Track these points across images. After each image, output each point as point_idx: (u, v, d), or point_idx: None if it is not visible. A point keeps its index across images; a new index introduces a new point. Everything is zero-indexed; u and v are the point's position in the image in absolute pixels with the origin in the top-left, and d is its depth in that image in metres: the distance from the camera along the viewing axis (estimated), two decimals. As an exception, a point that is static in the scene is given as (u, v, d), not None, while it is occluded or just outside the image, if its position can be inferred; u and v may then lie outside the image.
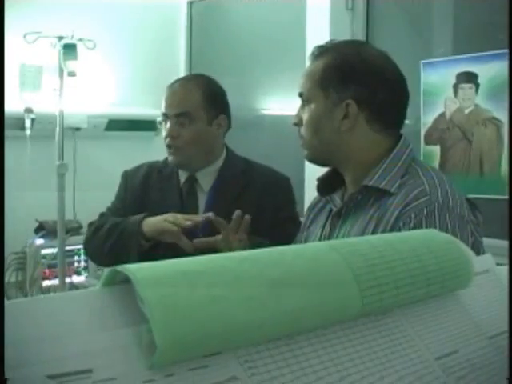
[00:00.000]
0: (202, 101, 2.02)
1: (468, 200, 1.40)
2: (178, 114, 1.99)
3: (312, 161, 1.53)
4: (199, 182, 2.07)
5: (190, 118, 1.99)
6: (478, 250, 1.31)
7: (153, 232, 1.89)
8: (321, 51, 1.46)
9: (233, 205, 2.00)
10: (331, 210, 1.51)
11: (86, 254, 2.23)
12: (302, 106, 1.48)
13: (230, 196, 2.04)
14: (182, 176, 2.09)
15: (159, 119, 2.08)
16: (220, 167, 2.09)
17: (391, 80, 1.44)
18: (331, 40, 1.50)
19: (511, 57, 2.18)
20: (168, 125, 2.00)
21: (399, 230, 1.29)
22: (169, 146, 2.01)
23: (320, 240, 1.49)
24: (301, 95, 1.48)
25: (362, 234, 1.35)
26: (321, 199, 1.59)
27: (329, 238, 1.47)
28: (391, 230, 1.30)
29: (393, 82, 1.44)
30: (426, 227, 1.26)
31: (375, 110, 1.41)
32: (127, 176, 2.18)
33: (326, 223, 1.51)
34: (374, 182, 1.38)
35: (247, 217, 1.81)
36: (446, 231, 1.22)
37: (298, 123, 1.48)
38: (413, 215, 1.29)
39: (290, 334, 0.58)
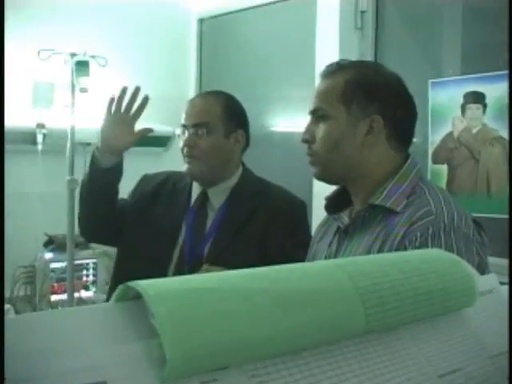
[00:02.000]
0: (221, 113, 2.04)
1: (474, 220, 1.41)
2: (196, 124, 2.01)
3: (323, 178, 1.53)
4: (210, 199, 2.07)
5: (208, 129, 2.01)
6: (483, 269, 1.32)
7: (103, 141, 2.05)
8: (336, 69, 1.47)
9: (240, 227, 2.01)
10: (339, 228, 1.52)
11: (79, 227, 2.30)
12: (315, 123, 1.47)
13: (239, 216, 2.03)
14: (195, 192, 2.09)
15: (177, 132, 2.09)
16: (233, 185, 2.08)
17: (406, 98, 1.47)
18: (343, 59, 1.52)
19: (511, 72, 2.20)
20: (186, 135, 2.02)
21: (405, 248, 1.30)
22: (185, 156, 2.03)
23: (327, 257, 1.50)
24: (314, 112, 1.48)
25: (368, 252, 1.36)
26: (329, 217, 1.61)
27: (335, 255, 1.48)
28: (397, 249, 1.31)
29: (407, 101, 1.47)
30: (432, 246, 1.27)
31: (395, 127, 1.44)
32: (145, 179, 2.22)
33: (333, 241, 1.52)
34: (381, 201, 1.40)
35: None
36: (452, 251, 1.23)
37: (310, 140, 1.48)
38: (418, 234, 1.30)
39: (296, 350, 0.59)
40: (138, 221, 2.08)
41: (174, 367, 0.50)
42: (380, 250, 1.34)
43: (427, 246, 1.28)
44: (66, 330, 0.51)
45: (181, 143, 2.06)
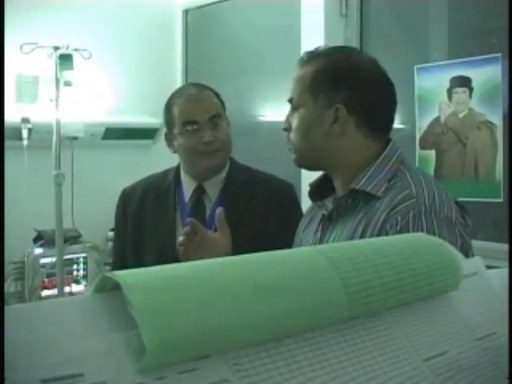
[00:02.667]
0: (220, 104, 2.06)
1: (457, 202, 1.41)
2: (212, 117, 1.99)
3: (300, 165, 1.55)
4: (207, 191, 2.06)
5: (220, 119, 2.01)
6: (466, 251, 1.32)
7: None
8: (310, 57, 1.48)
9: (240, 216, 2.01)
10: (324, 215, 1.52)
11: None
12: (292, 112, 1.49)
13: (237, 206, 2.03)
14: (189, 188, 2.08)
15: (176, 131, 2.02)
16: (225, 176, 2.08)
17: (379, 86, 1.46)
18: (320, 46, 1.52)
19: (511, 56, 2.20)
20: (206, 130, 1.97)
21: (386, 233, 1.29)
22: (213, 151, 1.99)
23: (313, 244, 1.50)
24: (290, 101, 1.50)
25: (351, 238, 1.36)
26: (314, 206, 1.61)
27: (320, 242, 1.48)
28: (378, 234, 1.31)
29: (381, 88, 1.46)
30: (413, 230, 1.27)
31: (364, 115, 1.43)
32: (125, 197, 2.16)
33: (318, 228, 1.52)
34: (361, 186, 1.39)
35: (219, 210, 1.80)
36: (433, 234, 1.22)
37: (288, 128, 1.50)
38: (399, 218, 1.30)
39: (279, 337, 0.59)
40: (137, 237, 2.07)
41: (152, 357, 0.49)
42: (362, 236, 1.34)
43: (408, 230, 1.28)
44: (43, 322, 0.51)
45: (187, 140, 2.00)
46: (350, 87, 1.42)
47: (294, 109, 1.48)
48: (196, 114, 1.99)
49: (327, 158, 1.47)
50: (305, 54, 1.49)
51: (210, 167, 2.02)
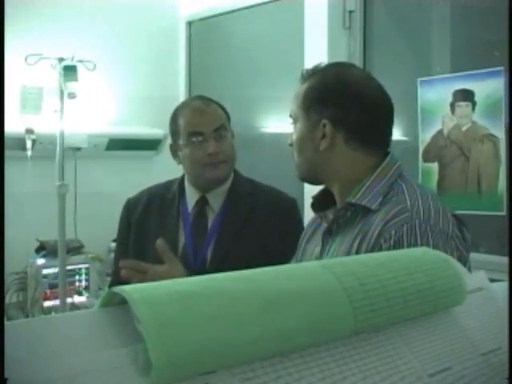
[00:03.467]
0: (225, 115, 2.08)
1: (455, 216, 1.41)
2: (217, 128, 2.01)
3: (302, 180, 1.58)
4: (210, 203, 2.07)
5: (225, 131, 2.03)
6: (464, 265, 1.32)
7: None
8: (308, 74, 1.51)
9: (241, 228, 2.02)
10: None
11: None
12: (293, 127, 1.53)
13: (239, 218, 2.05)
14: (192, 199, 2.09)
15: (182, 142, 2.04)
16: (229, 188, 2.09)
17: (369, 101, 1.46)
18: (321, 62, 1.54)
19: (511, 68, 2.20)
20: (210, 142, 1.99)
21: (380, 247, 1.29)
22: (212, 163, 2.00)
23: (315, 258, 1.51)
24: (290, 117, 1.54)
25: (349, 251, 1.36)
26: (317, 217, 1.61)
27: (320, 254, 1.48)
28: (373, 247, 1.31)
29: (370, 103, 1.46)
30: (407, 244, 1.27)
31: (351, 130, 1.44)
32: (129, 207, 2.17)
33: (319, 241, 1.53)
34: (357, 200, 1.40)
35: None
36: (428, 247, 1.22)
37: (290, 144, 1.54)
38: (393, 232, 1.29)
39: (285, 352, 0.59)
40: (140, 245, 2.07)
41: (160, 372, 0.50)
42: (358, 249, 1.34)
43: (402, 244, 1.28)
44: (50, 337, 0.51)
45: (192, 152, 2.01)
46: (336, 103, 1.44)
47: (293, 124, 1.52)
48: (201, 125, 2.00)
49: (321, 173, 1.50)
50: (304, 72, 1.53)
51: (214, 178, 2.03)
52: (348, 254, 1.36)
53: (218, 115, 2.05)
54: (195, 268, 1.98)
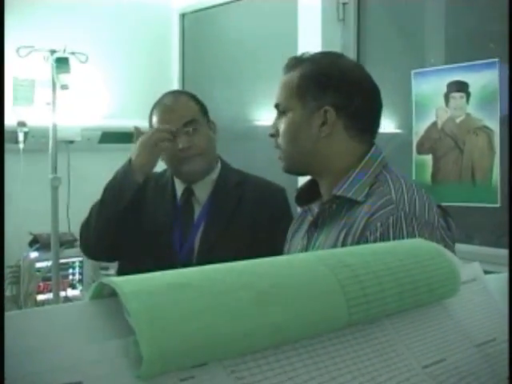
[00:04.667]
0: (199, 108, 2.08)
1: (439, 206, 1.41)
2: (187, 123, 2.01)
3: (288, 171, 1.54)
4: (196, 194, 2.08)
5: (197, 125, 2.03)
6: None
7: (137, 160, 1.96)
8: (296, 62, 1.49)
9: (228, 218, 2.03)
10: (311, 221, 1.52)
11: (82, 242, 2.16)
12: (278, 117, 1.50)
13: (226, 209, 2.05)
14: (179, 189, 2.09)
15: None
16: (216, 179, 2.10)
17: (366, 89, 1.47)
18: (305, 52, 1.53)
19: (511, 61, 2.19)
20: (181, 137, 1.99)
21: (366, 239, 1.29)
22: (184, 157, 2.00)
23: (300, 250, 1.50)
24: (277, 106, 1.50)
25: (335, 243, 1.36)
26: (304, 210, 1.60)
27: (306, 248, 1.47)
28: (358, 240, 1.30)
29: (368, 91, 1.47)
30: (393, 236, 1.27)
31: (352, 117, 1.44)
32: None
33: (305, 234, 1.52)
34: (343, 192, 1.40)
35: None
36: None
37: (275, 134, 1.51)
38: (379, 224, 1.29)
39: (278, 345, 0.58)
40: (132, 228, 2.06)
41: (150, 365, 0.49)
42: (344, 242, 1.34)
43: (388, 236, 1.27)
44: (40, 329, 0.51)
45: (168, 147, 2.01)
46: (337, 89, 1.43)
47: (281, 114, 1.49)
48: (170, 122, 2.01)
49: (314, 162, 1.47)
50: (290, 60, 1.51)
51: (191, 172, 2.04)
52: (334, 246, 1.35)
53: (187, 110, 2.05)
54: (181, 257, 1.98)
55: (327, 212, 1.43)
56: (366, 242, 1.28)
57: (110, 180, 2.04)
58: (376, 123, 1.50)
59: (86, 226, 2.09)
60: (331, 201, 1.42)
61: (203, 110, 2.09)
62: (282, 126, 1.48)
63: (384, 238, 1.27)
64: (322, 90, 1.43)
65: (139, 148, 1.96)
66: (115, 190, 1.98)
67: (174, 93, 2.18)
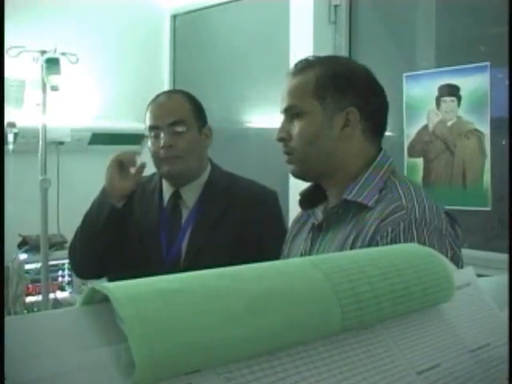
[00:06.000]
0: (192, 109, 2.05)
1: (447, 213, 1.41)
2: (172, 123, 1.99)
3: (299, 175, 1.51)
4: (183, 197, 2.06)
5: (185, 126, 2.00)
6: (457, 263, 1.32)
7: (107, 185, 1.94)
8: (306, 65, 1.46)
9: (216, 221, 2.01)
10: (314, 224, 1.51)
11: (71, 263, 2.19)
12: (289, 121, 1.46)
13: (214, 213, 2.04)
14: (167, 192, 2.08)
15: (145, 133, 2.06)
16: (205, 182, 2.08)
17: (378, 90, 1.48)
18: (310, 56, 1.52)
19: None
20: (162, 136, 1.98)
21: (377, 244, 1.29)
22: (164, 158, 1.99)
23: (301, 254, 1.49)
24: (288, 110, 1.46)
25: (342, 248, 1.35)
26: (304, 213, 1.60)
27: (310, 251, 1.47)
28: (369, 244, 1.30)
29: (379, 92, 1.48)
30: (404, 241, 1.27)
31: (369, 118, 1.44)
32: None
33: (307, 237, 1.51)
34: (353, 196, 1.39)
35: None
36: (424, 245, 1.22)
37: (286, 138, 1.46)
38: (390, 229, 1.29)
39: (271, 351, 0.58)
40: (118, 244, 2.05)
41: (142, 372, 0.48)
42: (353, 246, 1.33)
43: (399, 241, 1.27)
44: (31, 337, 0.50)
45: (152, 146, 2.02)
46: (356, 91, 1.42)
47: (295, 117, 1.45)
48: (158, 119, 2.01)
49: (331, 165, 1.44)
50: (298, 63, 1.48)
51: (171, 173, 2.02)
52: (341, 250, 1.34)
53: (177, 109, 2.03)
54: (168, 261, 1.97)
55: (334, 216, 1.43)
56: (377, 246, 1.28)
57: (88, 209, 2.04)
58: (386, 125, 1.51)
59: (72, 248, 2.11)
60: (340, 205, 1.41)
61: (197, 112, 2.06)
62: (296, 130, 1.44)
63: (395, 243, 1.27)
64: (342, 91, 1.41)
65: (106, 174, 1.94)
66: (93, 219, 1.99)
67: (170, 91, 2.17)
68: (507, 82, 2.36)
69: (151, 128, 2.01)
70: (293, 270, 0.63)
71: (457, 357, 0.72)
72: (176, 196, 2.06)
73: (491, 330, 0.78)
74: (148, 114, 2.04)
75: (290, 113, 1.46)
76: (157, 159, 2.01)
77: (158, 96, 2.10)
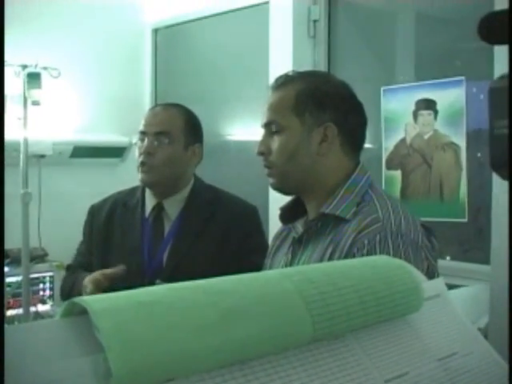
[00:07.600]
0: (183, 125, 2.07)
1: (423, 225, 1.43)
2: (158, 133, 2.02)
3: (279, 189, 1.53)
4: (166, 210, 2.08)
5: (169, 138, 2.02)
6: (432, 274, 1.35)
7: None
8: (285, 81, 1.49)
9: (198, 234, 2.03)
10: (294, 238, 1.52)
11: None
12: (269, 135, 1.48)
13: (196, 226, 2.06)
14: (149, 204, 2.10)
15: (134, 140, 2.09)
16: (187, 196, 2.10)
17: (356, 105, 1.50)
18: (290, 71, 1.54)
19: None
20: (145, 142, 2.01)
21: (353, 256, 1.31)
22: (142, 164, 2.01)
23: (282, 267, 1.51)
24: (268, 125, 1.49)
25: (321, 260, 1.37)
26: (285, 228, 1.62)
27: (291, 264, 1.48)
28: (346, 257, 1.32)
29: (358, 108, 1.50)
30: (380, 253, 1.29)
31: (347, 133, 1.47)
32: (93, 212, 2.18)
33: (288, 251, 1.53)
34: (331, 210, 1.41)
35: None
36: (400, 257, 1.25)
37: (266, 152, 1.49)
38: (366, 242, 1.32)
39: (244, 360, 0.60)
40: (103, 253, 2.08)
41: (119, 381, 0.50)
42: (330, 259, 1.36)
43: (375, 253, 1.30)
44: (10, 347, 0.51)
45: (137, 151, 2.05)
46: (335, 107, 1.45)
47: (275, 132, 1.47)
48: (146, 126, 2.05)
49: (308, 180, 1.47)
50: (279, 79, 1.50)
51: (145, 181, 2.05)
52: (320, 262, 1.37)
53: (166, 121, 2.06)
54: (150, 273, 1.99)
55: (313, 229, 1.45)
56: (354, 258, 1.30)
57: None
58: (364, 139, 1.54)
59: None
60: (318, 218, 1.44)
61: (189, 129, 2.08)
62: (275, 144, 1.47)
63: (371, 255, 1.30)
64: (321, 106, 1.44)
65: (86, 290, 1.89)
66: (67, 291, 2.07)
67: (169, 104, 2.19)
68: (482, 97, 2.40)
69: (140, 133, 2.05)
70: (265, 283, 0.65)
71: (425, 365, 0.74)
72: (159, 208, 2.08)
73: (459, 339, 0.81)
74: (142, 121, 2.08)
75: (270, 128, 1.48)
76: (138, 165, 2.04)
77: (156, 105, 2.13)
